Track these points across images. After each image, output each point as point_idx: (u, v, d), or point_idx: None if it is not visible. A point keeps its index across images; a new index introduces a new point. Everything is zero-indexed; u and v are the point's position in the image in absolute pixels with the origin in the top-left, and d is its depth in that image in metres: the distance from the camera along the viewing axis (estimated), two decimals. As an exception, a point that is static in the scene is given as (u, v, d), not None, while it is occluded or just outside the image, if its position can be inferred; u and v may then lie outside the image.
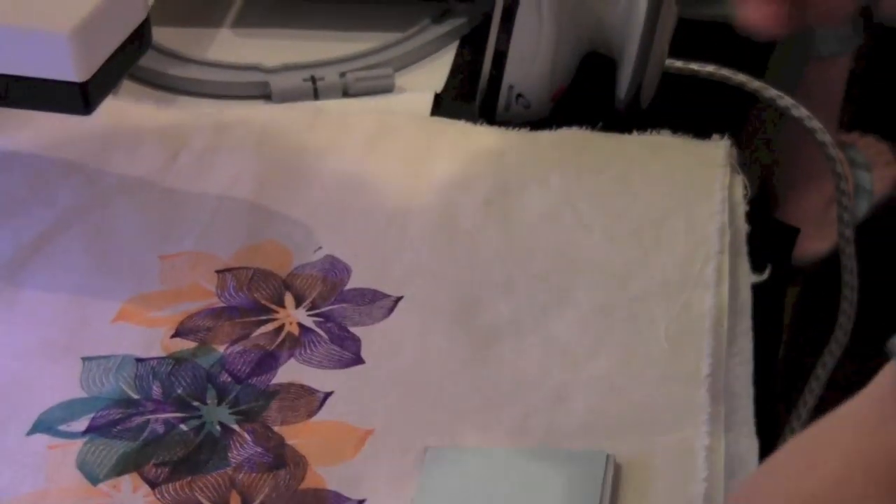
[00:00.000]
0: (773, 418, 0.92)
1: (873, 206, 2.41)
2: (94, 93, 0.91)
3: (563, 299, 0.95)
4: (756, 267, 0.96)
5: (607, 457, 0.83)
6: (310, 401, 0.90)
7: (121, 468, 0.86)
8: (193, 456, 0.86)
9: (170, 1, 1.25)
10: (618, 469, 0.83)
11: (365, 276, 0.98)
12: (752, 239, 0.98)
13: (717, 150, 1.04)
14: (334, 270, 0.99)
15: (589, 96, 1.09)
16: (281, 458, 0.86)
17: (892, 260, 2.10)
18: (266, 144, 1.09)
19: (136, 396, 0.90)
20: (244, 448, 0.87)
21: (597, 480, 0.82)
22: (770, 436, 0.88)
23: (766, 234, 1.00)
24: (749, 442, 0.85)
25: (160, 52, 1.18)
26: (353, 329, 0.94)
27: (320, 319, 0.95)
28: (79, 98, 0.90)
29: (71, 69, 0.89)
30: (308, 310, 0.96)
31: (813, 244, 2.21)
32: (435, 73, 1.18)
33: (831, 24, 0.71)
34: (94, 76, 0.90)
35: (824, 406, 1.10)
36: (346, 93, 1.15)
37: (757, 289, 0.95)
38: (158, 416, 0.89)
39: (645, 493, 0.82)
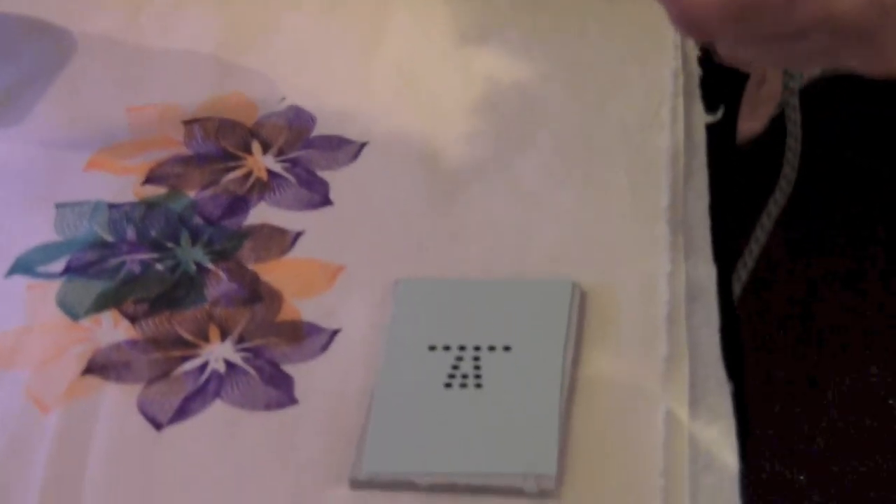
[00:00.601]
0: (728, 248, 0.95)
1: (804, 85, 2.44)
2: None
3: (524, 143, 0.97)
4: (709, 108, 0.98)
5: (573, 285, 0.86)
6: (281, 240, 0.91)
7: (100, 305, 0.87)
8: (171, 293, 0.88)
9: None
10: (583, 296, 0.86)
11: (329, 124, 1.00)
12: (704, 82, 1.00)
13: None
14: (299, 119, 1.00)
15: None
16: (256, 293, 0.88)
17: (824, 129, 2.13)
18: (228, 1, 1.09)
19: (110, 239, 0.92)
20: (220, 285, 0.88)
21: (563, 307, 0.84)
22: (726, 263, 0.91)
23: (718, 78, 1.02)
24: (707, 268, 0.88)
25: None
26: (320, 173, 0.96)
27: (288, 164, 0.97)
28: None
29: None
30: (276, 156, 0.97)
31: (746, 124, 2.24)
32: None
33: None
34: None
35: (774, 241, 1.13)
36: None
37: (710, 129, 0.97)
38: (134, 256, 0.90)
39: (610, 318, 0.85)
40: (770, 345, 1.86)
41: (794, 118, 1.11)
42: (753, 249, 1.13)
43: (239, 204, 0.94)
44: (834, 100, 1.99)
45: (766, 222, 1.14)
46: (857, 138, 2.07)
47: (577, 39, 1.04)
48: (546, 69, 1.02)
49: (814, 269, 1.94)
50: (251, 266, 0.89)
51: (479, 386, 0.80)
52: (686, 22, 0.59)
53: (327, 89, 1.02)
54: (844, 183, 2.04)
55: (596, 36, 1.05)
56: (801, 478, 1.75)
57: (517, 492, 0.75)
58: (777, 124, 1.53)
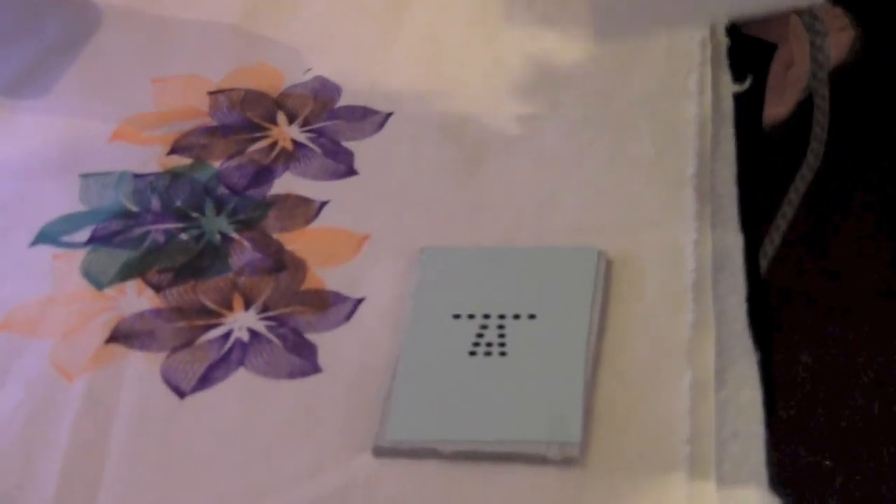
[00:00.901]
0: (756, 218, 0.94)
1: (836, 62, 2.42)
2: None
3: (549, 112, 0.96)
4: (737, 78, 0.97)
5: (598, 253, 0.85)
6: (306, 209, 0.91)
7: (124, 274, 0.87)
8: (195, 262, 0.87)
9: None
10: (609, 264, 0.85)
11: (355, 95, 0.99)
12: (732, 53, 0.99)
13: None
14: (325, 89, 0.99)
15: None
16: (281, 262, 0.87)
17: (848, 119, 2.11)
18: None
19: (135, 209, 0.91)
20: (244, 254, 0.88)
21: (589, 275, 0.83)
22: (755, 232, 0.90)
23: (746, 48, 1.01)
24: (734, 237, 0.87)
25: None
26: (345, 143, 0.95)
27: (313, 135, 0.96)
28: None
29: None
30: (301, 126, 0.97)
31: (773, 109, 2.22)
32: None
33: None
34: None
35: (805, 209, 1.12)
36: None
37: (738, 99, 0.96)
38: (158, 226, 0.90)
39: (636, 286, 0.84)
40: (796, 326, 1.84)
41: (823, 93, 1.10)
42: (780, 225, 1.12)
43: (264, 174, 0.93)
44: (861, 83, 1.98)
45: (794, 198, 1.13)
46: (885, 118, 2.05)
47: (602, 7, 1.03)
48: (571, 37, 1.01)
49: (843, 249, 1.92)
50: (275, 235, 0.89)
51: (503, 354, 0.79)
52: None
53: (353, 60, 1.02)
54: (871, 160, 2.02)
55: (622, 4, 1.03)
56: (827, 462, 1.73)
57: (541, 460, 0.74)
58: (802, 110, 1.52)
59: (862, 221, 1.95)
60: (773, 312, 1.01)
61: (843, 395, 1.80)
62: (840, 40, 2.47)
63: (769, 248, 1.13)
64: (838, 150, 1.28)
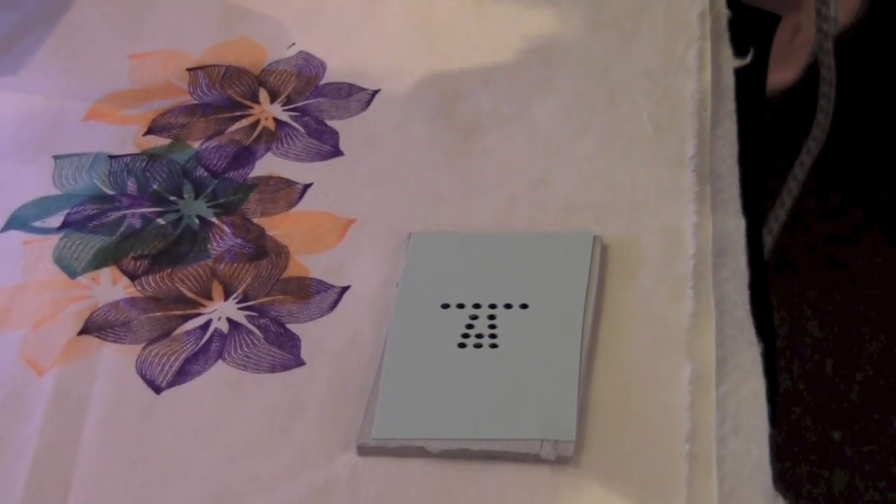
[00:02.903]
0: (758, 201, 0.91)
1: (836, 35, 2.39)
2: None
3: (543, 88, 0.93)
4: (738, 51, 0.94)
5: (594, 237, 0.82)
6: (289, 192, 0.87)
7: (98, 261, 0.84)
8: (173, 248, 0.84)
9: None
10: (605, 249, 0.81)
11: (340, 71, 0.96)
12: (733, 25, 0.96)
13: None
14: (309, 66, 0.96)
15: None
16: (262, 249, 0.84)
17: (857, 81, 2.09)
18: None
19: (110, 192, 0.88)
20: (224, 239, 0.85)
21: (584, 261, 0.80)
22: (758, 213, 0.87)
23: (747, 20, 0.98)
24: (736, 221, 0.84)
25: None
26: (330, 122, 0.92)
27: (296, 114, 0.93)
28: None
29: None
30: (283, 105, 0.94)
31: (779, 74, 2.19)
32: None
33: None
34: None
35: (806, 194, 1.09)
36: None
37: (739, 73, 0.93)
38: (135, 210, 0.87)
39: (633, 272, 0.81)
40: (803, 299, 1.82)
41: (828, 63, 1.06)
42: (786, 201, 1.09)
43: (245, 155, 0.90)
44: (867, 49, 1.95)
45: (799, 173, 1.10)
46: (892, 87, 2.02)
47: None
48: (566, 9, 0.98)
49: (848, 222, 1.89)
50: (257, 220, 0.86)
51: (494, 346, 0.76)
52: None
53: (338, 34, 0.99)
54: (879, 132, 1.99)
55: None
56: (835, 435, 1.71)
57: (534, 459, 0.71)
58: (808, 76, 1.49)
59: (869, 193, 1.93)
60: (775, 287, 0.97)
61: (851, 365, 1.78)
62: (847, 3, 2.43)
63: (774, 226, 1.10)
64: (847, 117, 1.25)
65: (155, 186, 0.88)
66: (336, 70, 0.96)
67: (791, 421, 1.71)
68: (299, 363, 0.77)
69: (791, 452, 1.66)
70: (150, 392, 0.77)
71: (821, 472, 1.69)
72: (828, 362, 1.79)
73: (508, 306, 0.78)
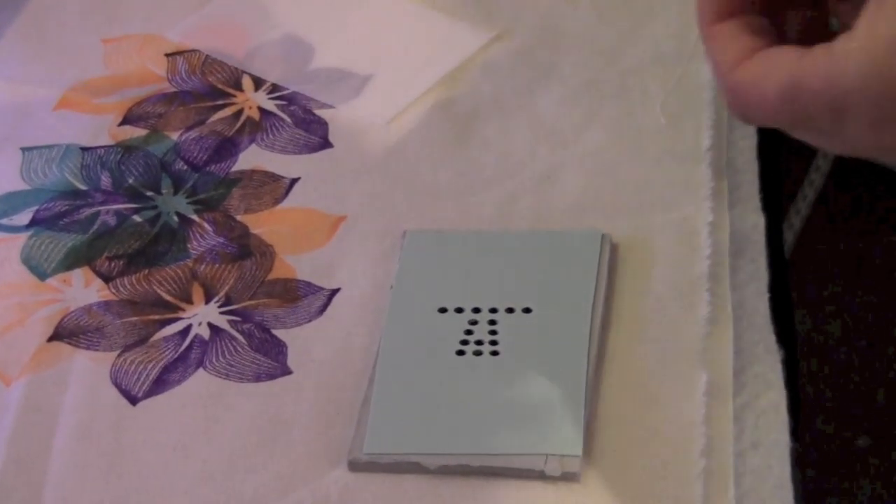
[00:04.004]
0: (779, 196, 0.91)
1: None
2: None
3: (548, 75, 0.93)
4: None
5: (602, 236, 0.81)
6: (275, 187, 0.87)
7: (70, 262, 0.84)
8: (150, 248, 0.84)
9: None
10: (614, 249, 0.81)
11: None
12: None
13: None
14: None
15: None
16: (246, 248, 0.84)
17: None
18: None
19: (83, 187, 0.88)
20: (205, 238, 0.84)
21: (591, 262, 0.80)
22: (778, 210, 0.86)
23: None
24: (755, 218, 0.84)
25: None
26: (318, 112, 0.92)
27: (283, 102, 0.93)
28: None
29: None
30: (268, 93, 0.94)
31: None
32: None
33: None
34: None
35: (828, 191, 1.09)
36: None
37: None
38: (109, 207, 0.87)
39: (645, 275, 0.80)
40: (826, 298, 1.82)
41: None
42: (808, 195, 1.09)
43: (227, 147, 0.90)
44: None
45: (823, 164, 1.10)
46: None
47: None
48: (573, -8, 0.98)
49: (873, 216, 1.90)
50: (240, 217, 0.86)
51: (495, 353, 0.76)
52: (741, 114, 0.58)
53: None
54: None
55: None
56: (859, 441, 1.72)
57: (538, 475, 0.71)
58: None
59: (892, 186, 1.93)
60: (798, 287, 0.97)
61: (878, 368, 1.79)
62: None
63: (796, 221, 1.09)
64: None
65: (131, 181, 0.88)
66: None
67: (813, 427, 1.72)
68: (286, 372, 0.77)
69: (812, 461, 1.67)
70: (125, 403, 0.76)
71: (844, 482, 1.70)
72: (851, 364, 1.79)
73: (510, 310, 0.78)
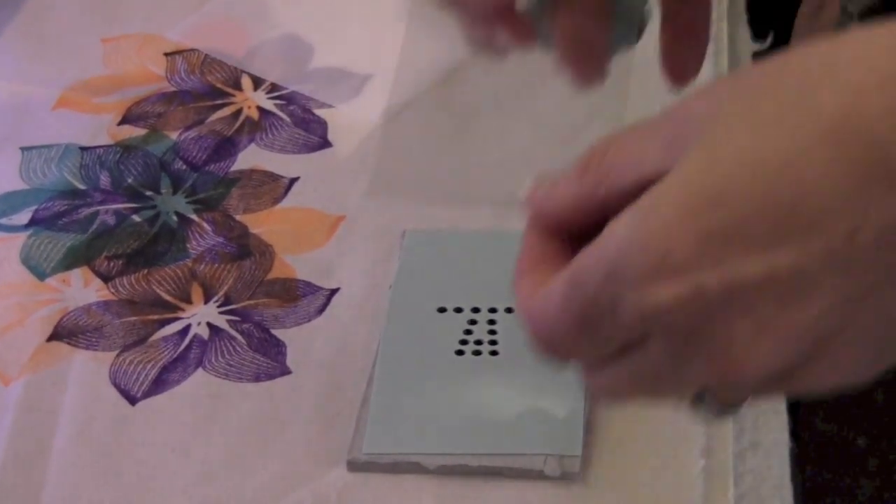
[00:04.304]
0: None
1: (862, 13, 2.40)
2: None
3: (548, 74, 0.93)
4: (757, 35, 0.94)
5: (602, 236, 0.81)
6: (274, 187, 0.87)
7: (69, 262, 0.84)
8: (149, 247, 0.84)
9: None
10: (614, 249, 0.81)
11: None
12: (751, 6, 0.96)
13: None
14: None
15: None
16: (245, 248, 0.84)
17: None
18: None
19: (82, 187, 0.88)
20: (204, 238, 0.84)
21: (591, 261, 0.80)
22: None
23: (766, 1, 0.98)
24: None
25: None
26: (318, 112, 0.92)
27: (282, 102, 0.93)
28: None
29: None
30: (268, 92, 0.94)
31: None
32: None
33: None
34: None
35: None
36: None
37: (758, 58, 0.93)
38: (108, 206, 0.87)
39: (644, 274, 0.80)
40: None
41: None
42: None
43: (226, 146, 0.90)
44: None
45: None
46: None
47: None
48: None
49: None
50: (239, 217, 0.86)
51: (494, 353, 0.76)
52: (537, 336, 0.58)
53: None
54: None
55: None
56: (859, 441, 1.71)
57: (537, 475, 0.71)
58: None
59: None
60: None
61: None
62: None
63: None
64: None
65: (130, 180, 0.88)
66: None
67: (812, 427, 1.71)
68: (285, 371, 0.77)
69: (810, 459, 1.67)
70: (124, 402, 0.76)
71: (843, 482, 1.69)
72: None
73: (510, 310, 0.78)
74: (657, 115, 0.57)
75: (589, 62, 0.70)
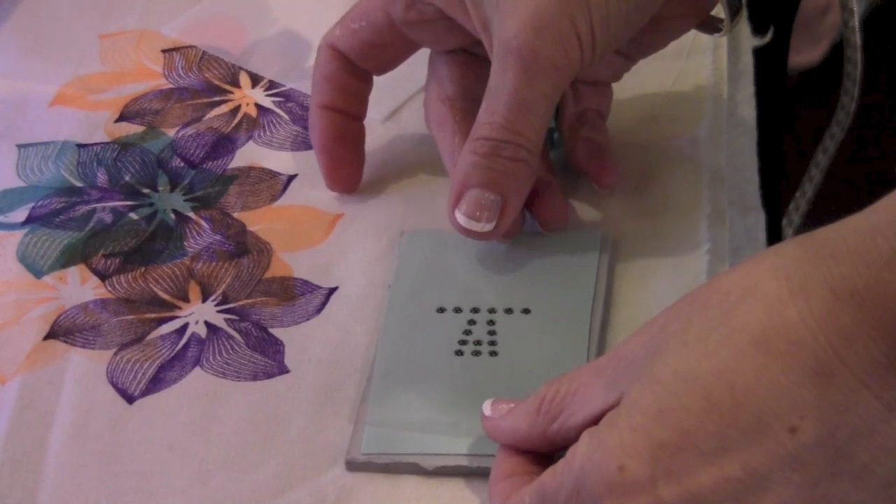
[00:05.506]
0: (778, 193, 0.90)
1: (866, 13, 2.39)
2: None
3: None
4: (757, 29, 0.94)
5: (602, 236, 0.81)
6: (272, 184, 0.87)
7: (66, 260, 0.83)
8: (146, 245, 0.84)
9: None
10: (614, 248, 0.81)
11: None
12: (751, 1, 0.95)
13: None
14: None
15: None
16: (243, 246, 0.83)
17: (886, 59, 2.08)
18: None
19: (79, 184, 0.88)
20: (202, 236, 0.84)
21: (591, 262, 0.80)
22: (775, 210, 0.86)
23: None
24: (754, 214, 0.84)
25: None
26: (316, 109, 0.91)
27: (280, 99, 0.93)
28: None
29: None
30: (266, 89, 0.93)
31: (803, 55, 2.19)
32: None
33: None
34: None
35: (825, 188, 1.09)
36: None
37: (758, 54, 0.93)
38: (105, 204, 0.86)
39: (645, 272, 0.80)
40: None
41: (854, 42, 1.06)
42: (807, 191, 1.09)
43: (224, 144, 0.90)
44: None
45: (822, 160, 1.09)
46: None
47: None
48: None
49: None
50: (237, 214, 0.85)
51: (493, 354, 0.76)
52: None
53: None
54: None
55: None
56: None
57: (536, 476, 0.70)
58: (832, 56, 1.48)
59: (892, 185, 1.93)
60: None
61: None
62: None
63: (795, 217, 1.09)
64: (874, 99, 1.25)
65: (127, 178, 0.88)
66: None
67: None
68: (283, 370, 0.77)
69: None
70: (121, 401, 0.76)
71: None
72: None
73: (509, 311, 0.77)
74: (601, 358, 0.65)
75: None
